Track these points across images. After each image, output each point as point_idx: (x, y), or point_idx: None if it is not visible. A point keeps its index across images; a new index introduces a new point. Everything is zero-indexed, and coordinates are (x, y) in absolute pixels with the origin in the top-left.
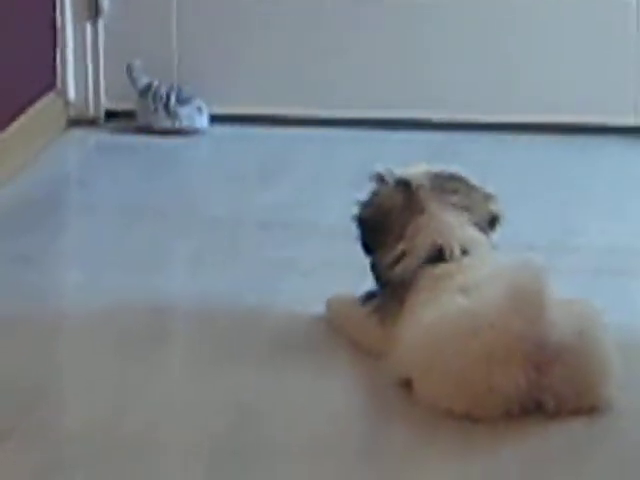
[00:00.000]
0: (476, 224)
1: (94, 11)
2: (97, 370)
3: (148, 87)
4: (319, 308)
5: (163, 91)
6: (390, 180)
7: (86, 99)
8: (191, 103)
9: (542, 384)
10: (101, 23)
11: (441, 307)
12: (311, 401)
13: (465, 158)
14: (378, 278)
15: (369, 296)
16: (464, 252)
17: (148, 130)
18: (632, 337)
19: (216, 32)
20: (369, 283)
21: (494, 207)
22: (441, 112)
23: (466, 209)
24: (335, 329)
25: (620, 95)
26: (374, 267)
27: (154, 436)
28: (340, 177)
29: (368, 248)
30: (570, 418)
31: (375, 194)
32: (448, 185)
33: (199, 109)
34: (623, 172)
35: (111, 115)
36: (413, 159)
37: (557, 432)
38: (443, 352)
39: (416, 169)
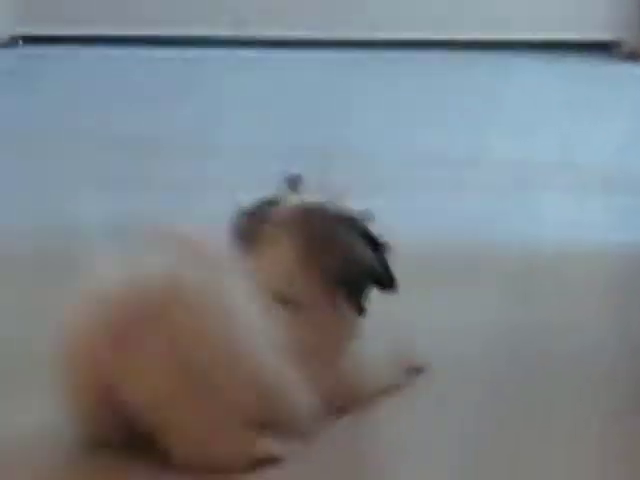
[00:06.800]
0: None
1: None
2: (5, 294)
3: None
4: None
5: None
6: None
7: None
8: None
9: None
10: None
11: None
12: None
13: (378, 72)
14: None
15: None
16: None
17: None
18: (538, 248)
19: None
20: None
21: (354, 269)
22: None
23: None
24: None
25: (548, 10)
26: None
27: None
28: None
29: None
30: None
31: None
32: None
33: None
34: (539, 88)
35: None
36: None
37: None
38: None
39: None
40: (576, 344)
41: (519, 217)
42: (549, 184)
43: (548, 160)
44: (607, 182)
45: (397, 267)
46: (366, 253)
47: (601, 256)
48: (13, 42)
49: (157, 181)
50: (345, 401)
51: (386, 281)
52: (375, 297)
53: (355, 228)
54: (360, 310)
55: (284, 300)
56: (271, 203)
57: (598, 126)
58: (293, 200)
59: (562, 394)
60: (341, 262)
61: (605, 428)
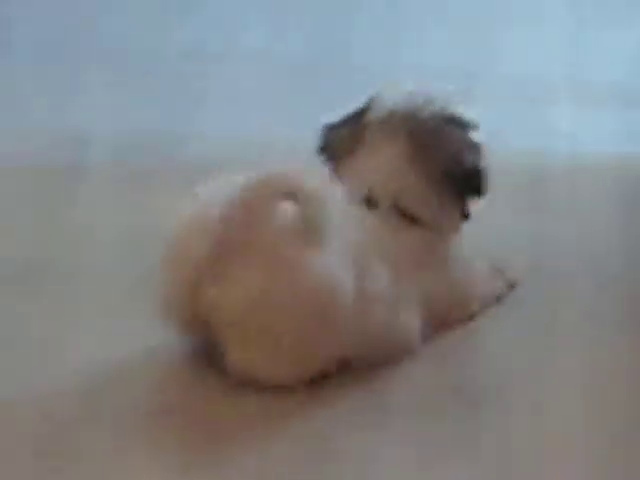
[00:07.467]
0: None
1: None
2: (14, 198)
3: None
4: None
5: None
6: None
7: None
8: None
9: None
10: None
11: None
12: None
13: None
14: None
15: None
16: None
17: None
18: (550, 161)
19: None
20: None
21: (464, 165)
22: None
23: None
24: None
25: None
26: None
27: (77, 262)
28: None
29: None
30: None
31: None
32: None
33: None
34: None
35: None
36: None
37: None
38: None
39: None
40: (583, 256)
41: (528, 130)
42: (559, 97)
43: (557, 72)
44: (619, 95)
45: None
46: (472, 152)
47: (612, 169)
48: None
49: (169, 90)
50: (452, 312)
51: (483, 185)
52: None
53: (460, 126)
54: (465, 214)
55: (395, 203)
56: (363, 111)
57: (610, 35)
58: (388, 104)
59: (567, 306)
60: (451, 158)
61: (613, 341)
